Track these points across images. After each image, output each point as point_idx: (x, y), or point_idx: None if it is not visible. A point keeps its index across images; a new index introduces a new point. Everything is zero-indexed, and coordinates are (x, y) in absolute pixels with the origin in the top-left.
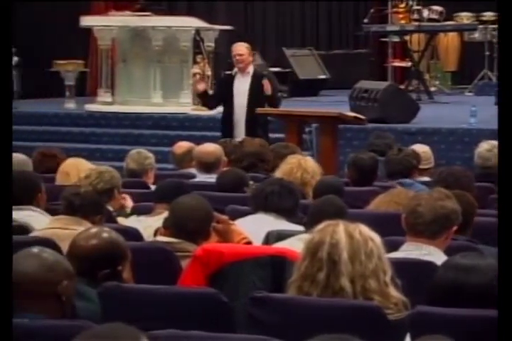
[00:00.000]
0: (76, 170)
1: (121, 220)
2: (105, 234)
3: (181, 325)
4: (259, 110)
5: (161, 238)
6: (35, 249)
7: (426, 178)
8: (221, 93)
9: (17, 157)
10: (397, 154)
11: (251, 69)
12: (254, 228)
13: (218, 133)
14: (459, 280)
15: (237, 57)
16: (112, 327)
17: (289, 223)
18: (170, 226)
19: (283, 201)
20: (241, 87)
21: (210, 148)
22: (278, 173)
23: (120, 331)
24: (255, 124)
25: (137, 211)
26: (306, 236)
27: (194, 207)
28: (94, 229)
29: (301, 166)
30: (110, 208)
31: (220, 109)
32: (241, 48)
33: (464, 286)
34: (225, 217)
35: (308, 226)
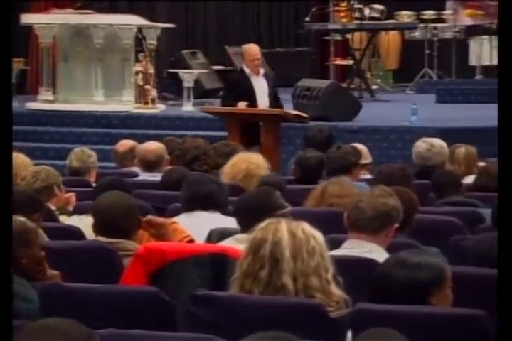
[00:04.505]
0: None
1: (64, 219)
2: None
3: (123, 323)
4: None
5: (102, 238)
6: None
7: (367, 176)
8: (241, 92)
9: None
10: (336, 152)
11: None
12: (189, 223)
13: (160, 131)
14: (398, 277)
15: (256, 62)
16: (62, 322)
17: (224, 216)
18: (97, 227)
19: (215, 197)
20: (261, 88)
21: (152, 146)
22: (224, 169)
23: (69, 327)
24: None
25: (79, 210)
26: (242, 236)
27: (114, 204)
28: None
29: (245, 160)
30: (52, 206)
31: (162, 107)
32: (258, 52)
33: (406, 283)
34: (160, 220)
35: (241, 222)
